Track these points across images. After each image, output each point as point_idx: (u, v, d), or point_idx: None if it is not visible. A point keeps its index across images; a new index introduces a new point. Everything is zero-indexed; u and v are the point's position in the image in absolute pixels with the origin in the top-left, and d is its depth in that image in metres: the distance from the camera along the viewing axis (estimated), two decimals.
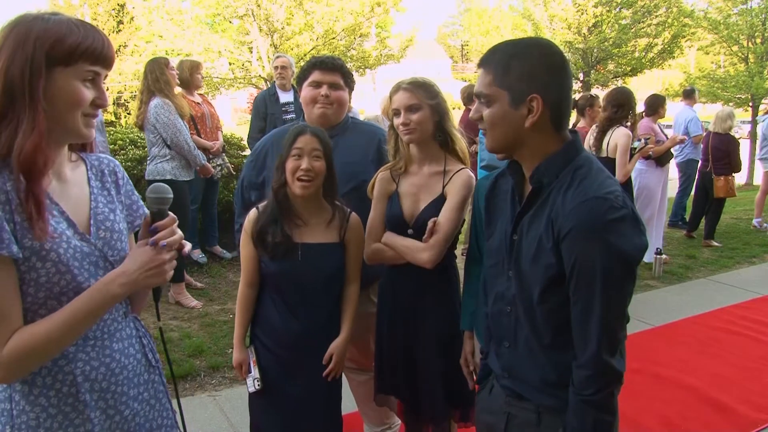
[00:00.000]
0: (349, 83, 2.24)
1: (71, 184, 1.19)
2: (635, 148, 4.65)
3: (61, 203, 1.14)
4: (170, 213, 1.21)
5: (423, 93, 1.96)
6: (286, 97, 5.17)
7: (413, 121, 1.94)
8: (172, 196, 1.21)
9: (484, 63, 1.31)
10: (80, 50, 1.06)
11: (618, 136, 4.43)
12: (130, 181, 1.37)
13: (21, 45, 1.04)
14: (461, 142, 2.06)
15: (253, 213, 1.96)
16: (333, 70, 2.18)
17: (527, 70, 1.24)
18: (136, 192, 1.37)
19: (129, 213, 1.33)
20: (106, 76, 1.16)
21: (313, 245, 1.90)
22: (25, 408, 1.12)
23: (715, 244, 6.35)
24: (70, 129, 1.11)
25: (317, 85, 2.18)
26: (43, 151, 1.06)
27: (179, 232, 1.19)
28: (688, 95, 7.30)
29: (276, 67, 5.28)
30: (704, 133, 6.73)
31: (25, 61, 1.04)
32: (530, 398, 1.38)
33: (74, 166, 1.23)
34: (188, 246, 1.22)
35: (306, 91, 2.21)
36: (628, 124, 4.59)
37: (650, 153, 5.16)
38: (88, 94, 1.10)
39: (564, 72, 1.29)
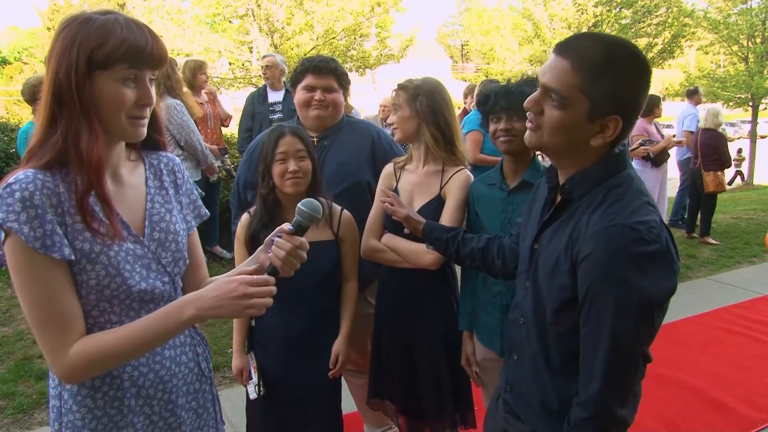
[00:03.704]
0: (344, 84, 2.24)
1: (127, 186, 1.19)
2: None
3: (116, 205, 1.14)
4: (304, 239, 1.21)
5: (404, 94, 2.01)
6: (274, 96, 5.16)
7: (395, 122, 2.02)
8: (321, 217, 1.20)
9: (568, 54, 1.10)
10: (119, 53, 1.05)
11: None
12: (190, 180, 1.36)
13: (67, 51, 1.04)
14: (459, 144, 2.05)
15: (245, 218, 1.96)
16: (326, 73, 2.17)
17: (619, 87, 1.08)
18: (195, 190, 1.37)
19: (189, 212, 1.33)
20: (153, 75, 1.13)
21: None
22: (72, 407, 1.14)
23: (713, 241, 6.34)
24: (117, 131, 1.10)
25: (311, 89, 2.18)
26: (103, 155, 1.07)
27: (271, 287, 1.12)
28: (690, 95, 7.32)
29: (262, 67, 5.30)
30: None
31: (70, 68, 1.04)
32: (526, 420, 1.30)
33: (133, 167, 1.23)
34: (270, 298, 1.12)
35: (299, 95, 2.21)
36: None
37: (650, 153, 5.14)
38: (130, 94, 1.08)
39: (648, 90, 1.13)
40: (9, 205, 0.99)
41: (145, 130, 1.14)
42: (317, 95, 2.17)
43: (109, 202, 1.10)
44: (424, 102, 1.97)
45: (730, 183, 12.68)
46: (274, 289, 1.12)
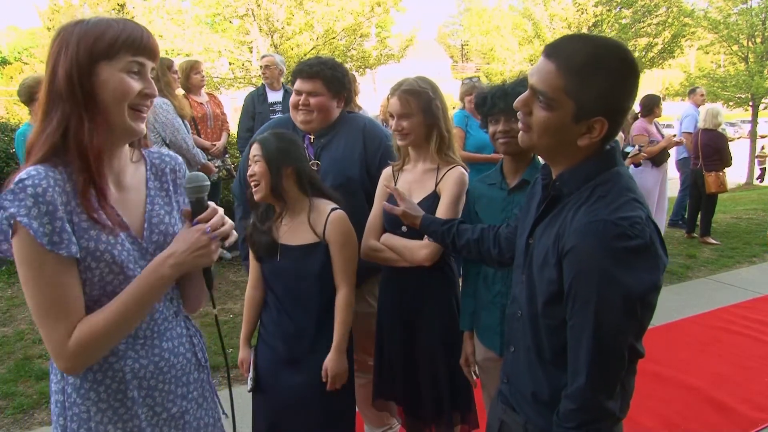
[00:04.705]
0: (334, 88, 2.20)
1: (129, 190, 1.20)
2: (628, 153, 4.62)
3: (118, 209, 1.16)
4: (211, 203, 1.20)
5: (415, 101, 1.98)
6: (274, 96, 5.18)
7: (405, 128, 1.99)
8: (208, 183, 1.20)
9: (554, 57, 1.12)
10: (120, 42, 1.07)
11: None
12: None
13: (65, 48, 1.07)
14: (455, 143, 2.08)
15: (253, 217, 2.04)
16: (310, 77, 2.18)
17: (605, 89, 1.10)
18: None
19: None
20: (154, 68, 1.15)
21: (291, 247, 1.94)
22: (77, 401, 1.15)
23: (713, 241, 6.35)
24: (118, 124, 1.11)
25: (298, 93, 2.21)
26: (103, 146, 1.09)
27: (229, 222, 1.18)
28: (690, 94, 7.34)
29: (260, 66, 5.31)
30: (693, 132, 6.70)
31: (71, 63, 1.05)
32: (519, 411, 1.32)
33: (135, 168, 1.24)
34: (233, 236, 1.20)
35: (291, 97, 2.26)
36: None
37: (641, 161, 5.15)
38: (135, 84, 1.10)
39: (636, 92, 1.15)
40: (21, 200, 1.00)
41: (144, 126, 1.15)
42: (302, 99, 2.19)
43: (105, 193, 1.11)
44: (440, 106, 2.01)
45: (760, 179, 12.58)
46: (227, 228, 1.17)
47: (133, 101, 1.11)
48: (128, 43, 1.08)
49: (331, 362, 1.93)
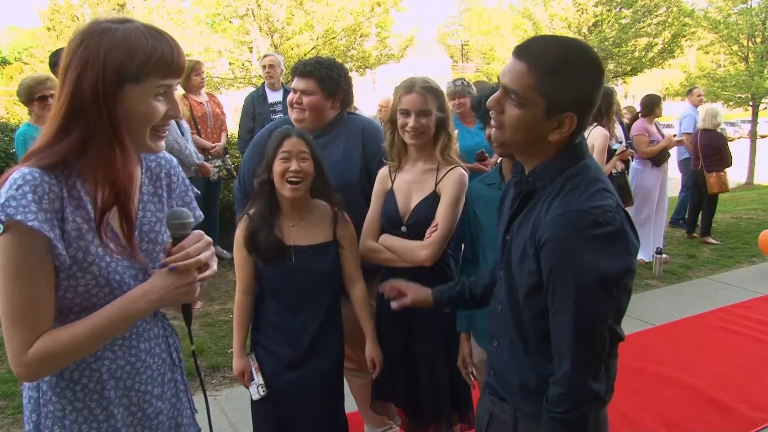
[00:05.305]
0: (328, 87, 2.20)
1: None
2: (615, 150, 4.59)
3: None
4: (196, 232, 1.15)
5: (433, 99, 1.98)
6: (274, 96, 5.16)
7: (423, 125, 1.96)
8: (192, 220, 1.17)
9: (525, 57, 1.18)
10: (150, 65, 1.03)
11: (595, 137, 4.23)
12: (185, 181, 1.35)
13: (90, 62, 1.01)
14: (454, 144, 2.09)
15: (245, 220, 1.97)
16: (304, 76, 2.19)
17: (574, 85, 1.17)
18: (191, 192, 1.36)
19: None
20: (178, 83, 1.12)
21: (306, 247, 1.92)
22: (52, 398, 1.14)
23: (713, 241, 6.35)
24: (139, 144, 1.09)
25: (294, 91, 2.22)
26: (134, 173, 1.07)
27: (201, 256, 1.11)
28: (687, 94, 7.35)
29: (264, 66, 5.29)
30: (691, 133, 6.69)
31: (96, 80, 1.01)
32: (509, 401, 1.36)
33: None
34: (211, 270, 1.14)
35: (288, 95, 2.28)
36: (624, 121, 4.48)
37: (629, 158, 5.13)
38: (161, 108, 1.07)
39: (602, 88, 1.22)
40: (25, 206, 0.99)
41: (163, 144, 1.13)
42: (296, 97, 2.20)
43: (132, 220, 1.09)
44: (445, 105, 2.02)
45: None
46: (191, 262, 1.10)
47: (157, 123, 1.08)
48: (159, 66, 1.04)
49: (373, 350, 2.03)
